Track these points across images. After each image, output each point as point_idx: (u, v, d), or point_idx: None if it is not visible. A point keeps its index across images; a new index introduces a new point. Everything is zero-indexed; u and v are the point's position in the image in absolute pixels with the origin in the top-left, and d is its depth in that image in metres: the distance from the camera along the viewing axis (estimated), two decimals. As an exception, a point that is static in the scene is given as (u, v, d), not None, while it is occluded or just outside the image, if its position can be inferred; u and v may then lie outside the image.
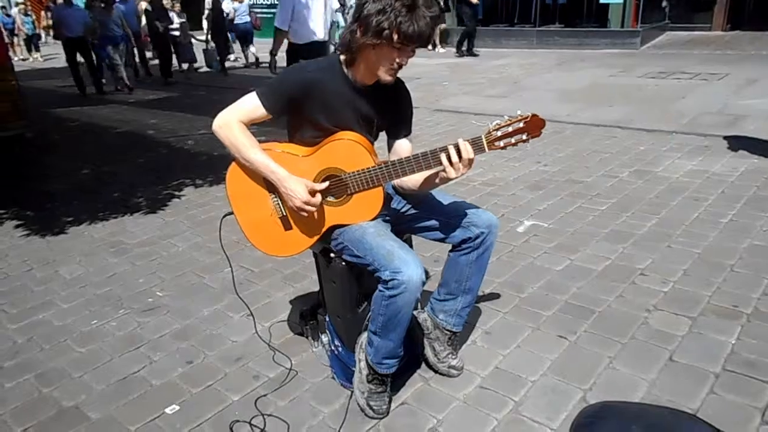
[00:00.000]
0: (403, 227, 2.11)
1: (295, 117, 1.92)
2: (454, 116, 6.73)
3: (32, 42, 16.33)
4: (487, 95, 7.88)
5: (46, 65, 15.14)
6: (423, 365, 2.24)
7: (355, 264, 1.92)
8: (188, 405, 2.13)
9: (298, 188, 1.85)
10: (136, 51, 11.17)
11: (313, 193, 1.86)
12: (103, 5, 9.41)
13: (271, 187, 1.93)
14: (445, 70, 10.21)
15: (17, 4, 17.18)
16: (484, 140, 1.72)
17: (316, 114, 1.87)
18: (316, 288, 2.39)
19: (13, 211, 4.35)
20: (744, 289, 2.65)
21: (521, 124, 1.70)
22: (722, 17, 12.90)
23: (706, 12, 13.12)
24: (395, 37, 1.69)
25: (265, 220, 2.00)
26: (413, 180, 1.95)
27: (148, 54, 12.02)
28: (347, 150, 1.87)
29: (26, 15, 16.34)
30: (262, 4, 16.34)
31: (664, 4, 13.31)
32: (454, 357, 2.19)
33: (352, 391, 2.06)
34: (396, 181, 1.99)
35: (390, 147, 2.07)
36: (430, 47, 12.60)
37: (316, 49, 5.29)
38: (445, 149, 1.74)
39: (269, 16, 14.61)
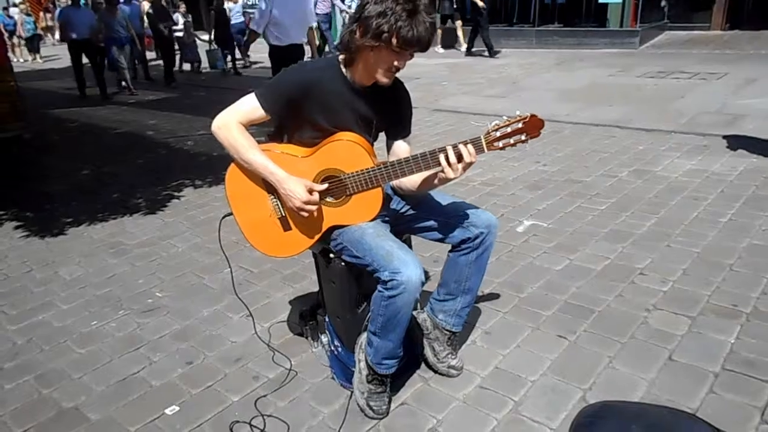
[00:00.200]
0: (402, 228, 2.11)
1: (294, 118, 1.92)
2: (453, 116, 6.73)
3: (34, 43, 16.23)
4: (486, 95, 7.88)
5: (45, 66, 15.13)
6: (423, 365, 2.24)
7: (355, 264, 1.92)
8: (188, 406, 2.13)
9: (297, 189, 1.85)
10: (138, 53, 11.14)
11: (312, 193, 1.86)
12: (107, 6, 9.36)
13: (270, 187, 1.93)
14: (444, 70, 10.21)
15: (14, 5, 17.13)
16: (483, 141, 1.73)
17: (315, 114, 1.87)
18: (316, 288, 2.39)
19: (13, 212, 4.35)
20: (743, 288, 2.66)
21: (520, 125, 1.70)
22: (721, 17, 12.90)
23: (704, 11, 13.11)
24: (394, 41, 1.69)
25: (264, 220, 2.00)
26: (412, 181, 1.96)
27: (149, 55, 11.99)
28: (346, 151, 1.87)
29: (28, 15, 16.30)
30: (255, 4, 16.29)
31: (663, 3, 13.30)
32: (453, 357, 2.19)
33: (352, 392, 2.06)
34: (395, 182, 1.99)
35: (389, 148, 2.07)
36: (437, 48, 12.63)
37: (295, 51, 5.36)
38: (444, 150, 1.75)
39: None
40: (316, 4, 12.17)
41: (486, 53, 11.54)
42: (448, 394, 2.10)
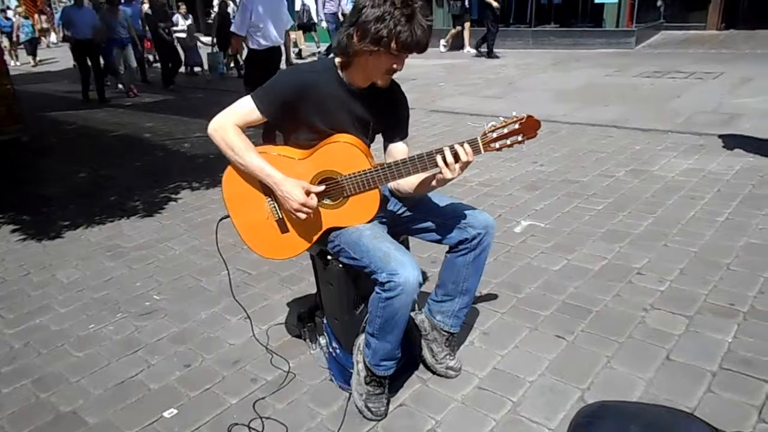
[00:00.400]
0: (399, 229, 2.11)
1: (291, 120, 1.92)
2: (450, 117, 6.73)
3: (33, 45, 16.14)
4: (483, 96, 7.89)
5: (41, 69, 15.08)
6: (421, 366, 2.24)
7: (352, 266, 1.92)
8: (186, 409, 2.13)
9: (294, 191, 1.85)
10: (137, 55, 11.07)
11: (309, 195, 1.86)
12: (108, 7, 9.31)
13: (267, 190, 1.93)
14: (441, 71, 10.21)
15: (8, 8, 17.06)
16: (480, 142, 1.73)
17: (311, 117, 1.87)
18: (314, 290, 2.39)
19: (10, 215, 4.34)
20: (740, 287, 2.66)
21: (516, 126, 1.70)
22: (717, 16, 12.94)
23: (700, 11, 13.16)
24: (393, 45, 1.70)
25: (261, 223, 2.00)
26: (409, 182, 1.96)
27: (149, 57, 11.93)
28: (343, 152, 1.87)
29: (26, 18, 16.23)
30: None
31: (658, 3, 13.34)
32: (451, 358, 2.19)
33: (350, 393, 2.06)
34: (392, 184, 2.00)
35: (386, 150, 2.07)
36: (443, 48, 12.62)
37: (274, 54, 5.38)
38: (441, 151, 1.75)
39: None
40: (324, 4, 12.20)
41: (484, 53, 11.55)
42: (446, 395, 2.10)
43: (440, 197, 2.07)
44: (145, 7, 11.29)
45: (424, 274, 2.11)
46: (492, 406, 2.04)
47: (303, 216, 1.88)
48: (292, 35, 12.46)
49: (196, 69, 11.95)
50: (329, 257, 2.04)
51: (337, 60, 1.87)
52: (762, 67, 8.21)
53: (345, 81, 1.88)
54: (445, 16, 13.71)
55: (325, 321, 2.21)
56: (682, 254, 3.01)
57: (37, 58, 16.02)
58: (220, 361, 2.40)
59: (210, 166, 5.31)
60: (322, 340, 2.29)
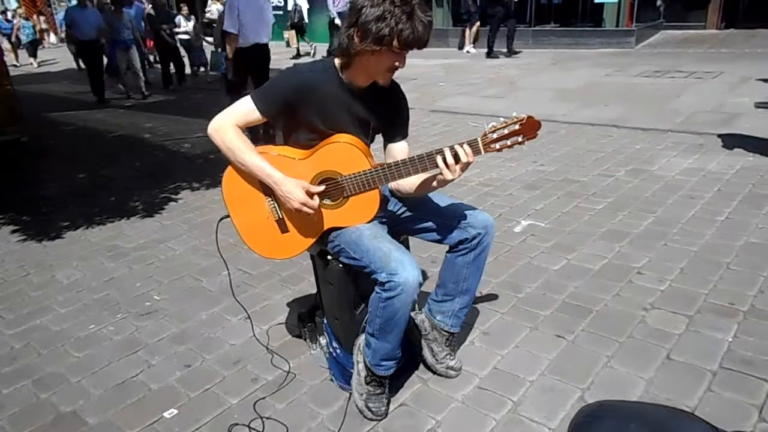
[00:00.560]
0: (399, 229, 2.11)
1: (291, 120, 1.93)
2: (451, 117, 6.73)
3: (34, 47, 16.11)
4: (484, 96, 7.89)
5: (41, 70, 15.08)
6: (421, 366, 2.24)
7: (352, 266, 1.92)
8: (187, 409, 2.13)
9: (295, 190, 1.85)
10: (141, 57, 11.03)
11: (310, 195, 1.86)
12: (113, 8, 9.28)
13: (267, 190, 1.93)
14: (441, 71, 10.21)
15: (7, 10, 17.04)
16: (480, 143, 1.73)
17: (311, 117, 1.87)
18: (314, 290, 2.39)
19: (10, 216, 4.34)
20: (740, 286, 2.66)
21: (517, 126, 1.70)
22: (716, 16, 12.94)
23: (700, 11, 13.15)
24: (396, 43, 1.70)
25: (261, 223, 2.00)
26: (410, 183, 1.96)
27: (149, 57, 11.90)
28: (343, 153, 1.87)
29: (26, 20, 16.21)
30: None
31: (658, 3, 13.34)
32: (452, 358, 2.19)
33: (351, 393, 2.06)
34: (392, 184, 2.00)
35: (386, 149, 2.07)
36: (472, 49, 12.58)
37: (260, 51, 5.38)
38: (441, 152, 1.75)
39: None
40: (334, 1, 12.18)
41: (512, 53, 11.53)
42: (446, 395, 2.10)
43: (440, 197, 2.07)
44: (148, 7, 11.28)
45: (424, 273, 2.11)
46: (492, 405, 2.04)
47: (304, 215, 1.88)
48: (286, 35, 12.44)
49: (201, 69, 11.93)
50: (329, 257, 2.04)
51: (337, 60, 1.87)
52: (762, 67, 8.21)
53: (345, 81, 1.88)
54: (445, 16, 13.71)
55: (325, 321, 2.21)
56: (683, 254, 3.01)
57: (38, 59, 16.01)
58: (221, 361, 2.40)
59: (210, 166, 5.31)
60: (323, 340, 2.29)
